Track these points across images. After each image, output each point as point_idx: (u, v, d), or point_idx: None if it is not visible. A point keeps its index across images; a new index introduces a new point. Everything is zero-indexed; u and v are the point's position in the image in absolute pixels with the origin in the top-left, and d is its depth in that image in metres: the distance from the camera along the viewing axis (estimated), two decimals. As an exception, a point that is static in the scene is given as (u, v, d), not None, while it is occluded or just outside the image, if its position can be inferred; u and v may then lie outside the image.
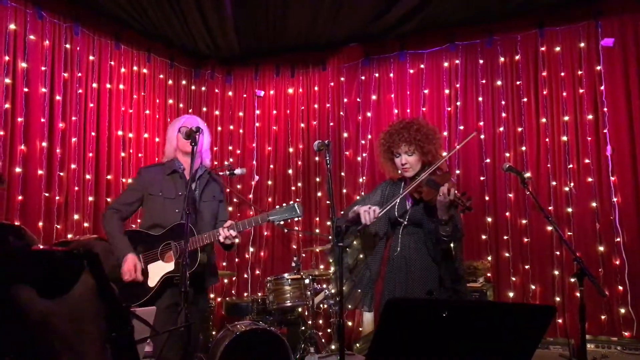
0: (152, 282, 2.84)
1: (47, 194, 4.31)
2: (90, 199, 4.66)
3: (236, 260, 5.64)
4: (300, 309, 4.49)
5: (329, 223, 5.43)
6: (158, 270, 2.85)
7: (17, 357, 0.87)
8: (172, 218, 2.87)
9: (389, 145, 2.85)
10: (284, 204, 2.77)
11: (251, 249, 5.65)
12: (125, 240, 2.90)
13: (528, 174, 4.67)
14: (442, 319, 1.72)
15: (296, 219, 2.89)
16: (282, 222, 5.13)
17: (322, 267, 5.19)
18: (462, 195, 2.52)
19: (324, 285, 4.65)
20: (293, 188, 5.63)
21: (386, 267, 2.87)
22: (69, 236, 4.43)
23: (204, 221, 2.97)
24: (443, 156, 2.86)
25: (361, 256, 3.02)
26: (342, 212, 3.09)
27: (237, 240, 2.86)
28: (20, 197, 4.12)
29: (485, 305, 2.45)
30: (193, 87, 5.95)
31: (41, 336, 0.84)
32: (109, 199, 4.82)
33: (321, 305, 4.67)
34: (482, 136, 4.99)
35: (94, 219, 4.66)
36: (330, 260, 3.21)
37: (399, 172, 2.87)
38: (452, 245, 2.73)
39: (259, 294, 5.08)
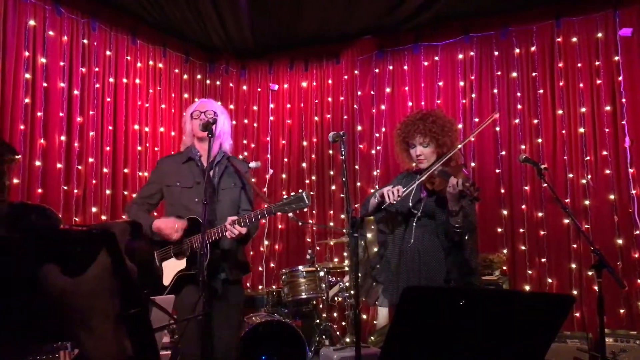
0: (167, 280, 2.76)
1: (65, 187, 4.38)
2: (108, 192, 4.72)
3: (251, 253, 5.67)
4: (314, 302, 4.50)
5: (343, 216, 5.45)
6: (172, 267, 2.76)
7: (38, 331, 0.91)
8: (193, 207, 2.74)
9: (405, 136, 2.86)
10: (292, 194, 2.62)
11: (266, 242, 5.68)
12: (146, 215, 2.85)
13: (544, 165, 4.62)
14: (459, 307, 1.72)
15: (305, 209, 2.74)
16: (290, 214, 5.15)
17: (336, 260, 5.20)
18: (470, 185, 2.51)
19: (339, 278, 4.66)
20: (307, 181, 5.65)
21: (399, 259, 2.87)
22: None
23: (224, 210, 2.80)
24: (458, 147, 2.85)
25: (376, 249, 3.03)
26: (358, 206, 3.10)
27: (244, 231, 2.66)
28: (39, 190, 4.19)
29: (503, 293, 2.45)
30: (208, 82, 5.99)
31: (59, 311, 0.87)
32: (125, 192, 4.88)
33: (336, 298, 4.69)
34: (498, 128, 4.96)
35: (112, 212, 4.73)
36: (348, 252, 3.20)
37: (414, 163, 2.88)
38: (465, 237, 2.73)
39: (274, 287, 5.10)
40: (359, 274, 2.93)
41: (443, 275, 2.73)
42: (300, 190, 2.61)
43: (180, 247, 2.74)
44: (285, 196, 2.63)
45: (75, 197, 4.44)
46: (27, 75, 4.14)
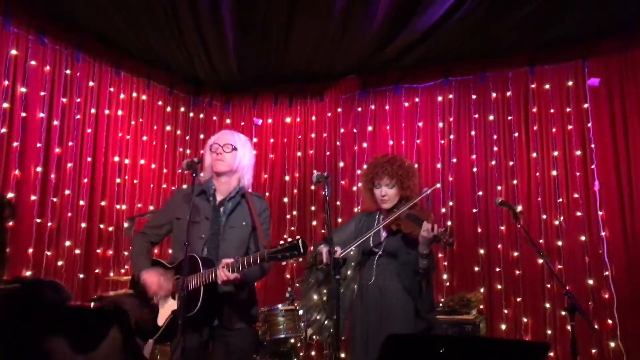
0: (161, 320, 2.63)
1: (39, 220, 4.27)
2: (83, 225, 4.63)
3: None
4: (292, 340, 4.46)
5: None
6: (167, 307, 2.62)
7: None
8: (197, 245, 2.62)
9: (372, 177, 3.00)
10: (288, 240, 2.43)
11: (243, 277, 5.62)
12: (144, 260, 2.69)
13: (519, 208, 4.74)
14: (439, 355, 1.76)
15: (299, 259, 2.52)
16: (283, 262, 5.07)
17: (315, 297, 5.16)
18: (444, 231, 2.66)
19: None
20: (288, 216, 5.65)
21: (358, 295, 2.95)
22: (59, 263, 4.39)
23: (230, 250, 2.63)
24: (421, 193, 3.00)
25: (326, 290, 3.07)
26: (313, 248, 3.16)
27: (237, 278, 2.46)
28: (11, 223, 4.09)
29: (481, 341, 2.49)
30: (191, 114, 5.99)
31: None
32: (102, 226, 4.80)
33: (314, 337, 4.65)
34: (475, 169, 5.08)
35: (86, 246, 4.62)
36: (302, 290, 3.20)
37: (377, 203, 3.01)
38: (430, 277, 2.88)
39: (251, 324, 5.02)
40: (314, 312, 3.01)
41: (405, 314, 2.82)
42: (297, 237, 2.41)
43: (176, 286, 2.60)
44: (281, 242, 2.44)
45: (49, 230, 4.33)
46: (5, 105, 4.06)
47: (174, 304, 2.61)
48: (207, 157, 2.79)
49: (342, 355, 4.91)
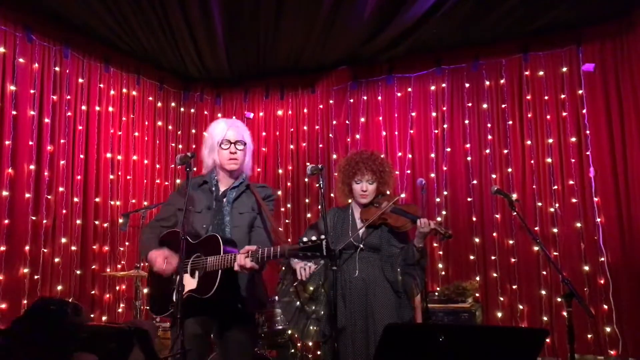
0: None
1: (34, 218, 4.27)
2: (78, 222, 4.62)
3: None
4: (289, 332, 4.46)
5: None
6: (186, 284, 2.52)
7: None
8: (198, 233, 2.61)
9: (354, 172, 3.05)
10: (313, 238, 2.33)
11: (240, 271, 5.62)
12: (153, 244, 2.64)
13: (515, 196, 4.75)
14: (439, 343, 1.76)
15: (321, 262, 2.49)
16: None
17: (311, 288, 5.17)
18: (439, 223, 2.78)
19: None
20: (282, 209, 5.64)
21: (343, 289, 2.96)
22: (56, 260, 4.38)
23: (240, 236, 2.62)
24: (396, 192, 3.10)
25: (322, 290, 3.07)
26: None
27: (255, 267, 2.42)
28: (6, 221, 4.07)
29: (480, 329, 2.50)
30: (182, 109, 5.97)
31: None
32: (96, 222, 4.79)
33: (311, 327, 4.65)
34: (469, 158, 5.08)
35: (82, 242, 4.62)
36: (279, 294, 3.19)
37: (356, 197, 3.07)
38: (423, 267, 2.96)
39: (249, 317, 5.02)
40: (292, 312, 3.04)
41: (391, 306, 2.89)
42: (322, 237, 2.31)
43: (197, 264, 2.55)
44: (304, 239, 2.35)
45: (44, 228, 4.33)
46: (-5, 103, 4.05)
47: (191, 282, 2.55)
48: (212, 152, 2.73)
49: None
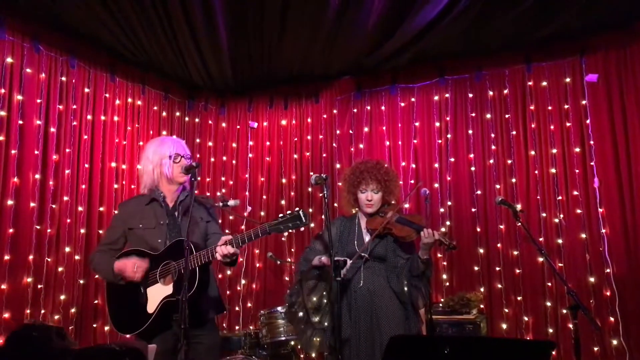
0: (151, 307, 2.63)
1: (38, 227, 4.27)
2: (82, 231, 4.62)
3: (227, 292, 5.59)
4: (292, 343, 4.45)
5: (293, 250, 5.48)
6: (157, 293, 2.63)
7: None
8: (158, 247, 2.72)
9: (359, 181, 3.05)
10: (288, 212, 2.45)
11: (243, 281, 5.61)
12: (110, 260, 2.74)
13: (519, 207, 4.73)
14: (444, 355, 1.75)
15: (301, 228, 2.56)
16: (269, 253, 5.07)
17: (314, 299, 5.15)
18: (444, 234, 2.75)
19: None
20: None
21: (348, 299, 2.96)
22: (60, 269, 4.39)
23: (200, 244, 2.75)
24: (401, 201, 3.17)
25: (325, 300, 3.08)
26: (307, 251, 3.17)
27: (237, 252, 2.54)
28: (11, 230, 4.08)
29: (486, 341, 2.48)
30: (187, 119, 6.00)
31: None
32: (101, 231, 4.79)
33: (315, 339, 4.63)
34: (473, 168, 5.07)
35: (86, 251, 4.62)
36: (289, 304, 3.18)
37: (361, 207, 3.07)
38: (428, 279, 2.94)
39: (251, 328, 5.02)
40: (300, 325, 3.05)
41: (397, 316, 2.87)
42: (297, 209, 2.47)
43: (167, 270, 2.64)
44: (280, 215, 2.48)
45: (49, 237, 4.34)
46: (2, 113, 4.08)
47: (163, 289, 2.63)
48: (163, 168, 2.84)
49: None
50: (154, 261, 2.69)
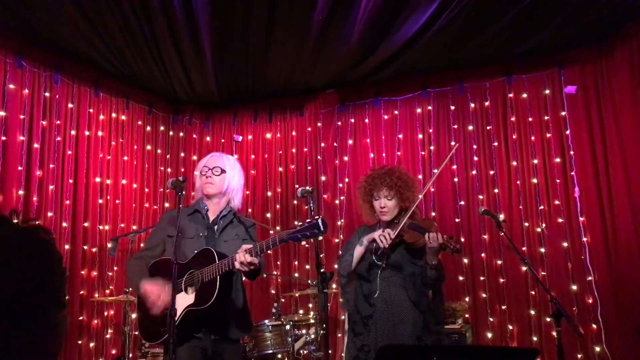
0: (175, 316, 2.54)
1: (21, 243, 4.22)
2: (67, 247, 4.58)
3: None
4: (280, 356, 4.43)
5: (307, 267, 5.46)
6: (181, 302, 2.56)
7: None
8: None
9: (370, 188, 2.97)
10: (307, 220, 2.39)
11: (229, 295, 5.58)
12: (144, 274, 2.70)
13: (502, 216, 4.80)
14: (431, 364, 1.78)
15: (320, 237, 2.48)
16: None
17: (301, 312, 5.16)
18: (450, 238, 2.65)
19: (304, 331, 4.61)
20: (272, 232, 5.63)
21: (363, 310, 2.90)
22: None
23: (219, 255, 2.68)
24: (419, 198, 2.96)
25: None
26: (338, 263, 3.12)
27: (255, 261, 2.48)
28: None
29: (472, 349, 2.51)
30: (171, 133, 5.99)
31: None
32: (85, 247, 4.75)
33: (301, 352, 4.62)
34: (456, 179, 5.14)
35: (70, 267, 4.57)
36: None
37: (376, 215, 2.98)
38: (440, 289, 2.85)
39: (239, 341, 4.98)
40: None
41: (414, 326, 2.78)
42: (316, 217, 2.37)
43: (191, 279, 2.61)
44: (299, 223, 2.42)
45: (32, 253, 4.28)
46: (-15, 129, 4.06)
47: (187, 298, 2.59)
48: (197, 180, 2.89)
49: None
50: (181, 270, 2.62)
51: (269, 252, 2.63)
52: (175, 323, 2.49)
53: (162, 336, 2.58)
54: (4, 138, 4.17)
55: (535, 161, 4.89)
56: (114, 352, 4.87)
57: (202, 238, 2.75)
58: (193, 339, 2.61)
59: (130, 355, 4.21)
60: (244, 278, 2.77)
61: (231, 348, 2.70)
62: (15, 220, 0.70)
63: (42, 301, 0.70)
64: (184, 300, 2.60)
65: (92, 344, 4.67)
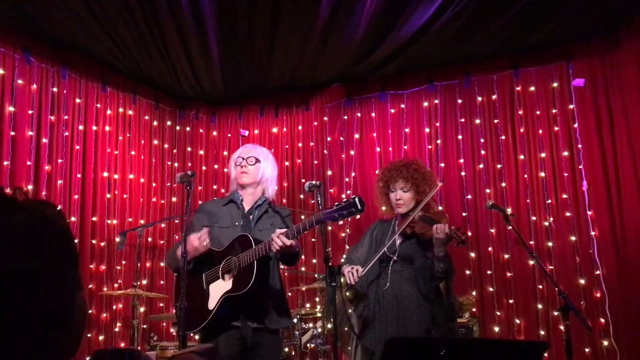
0: (212, 303, 2.57)
1: (30, 238, 4.26)
2: (75, 241, 4.60)
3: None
4: (287, 349, 4.45)
5: (314, 261, 5.46)
6: (218, 289, 2.57)
7: None
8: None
9: (387, 180, 2.97)
10: (344, 200, 2.40)
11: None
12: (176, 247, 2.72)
13: (509, 210, 4.78)
14: (440, 357, 1.78)
15: (357, 216, 2.54)
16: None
17: (308, 305, 5.18)
18: (457, 229, 2.63)
19: (311, 324, 4.63)
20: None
21: (375, 302, 2.90)
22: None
23: (255, 240, 2.69)
24: (429, 193, 2.93)
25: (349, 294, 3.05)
26: (330, 250, 3.14)
27: (292, 244, 2.47)
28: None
29: (481, 342, 2.51)
30: (178, 128, 6.01)
31: None
32: (93, 241, 4.79)
33: (308, 345, 4.64)
34: (463, 173, 5.13)
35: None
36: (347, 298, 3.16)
37: (393, 207, 2.97)
38: (449, 281, 2.83)
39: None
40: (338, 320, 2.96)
41: (423, 320, 2.77)
42: (353, 196, 2.40)
43: (228, 266, 2.61)
44: (336, 203, 2.41)
45: (41, 248, 4.32)
46: (-6, 124, 4.09)
47: (224, 285, 2.59)
48: (232, 171, 2.91)
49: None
50: (218, 257, 2.65)
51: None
52: (214, 310, 2.54)
53: (201, 324, 2.58)
54: (13, 133, 4.21)
55: (543, 155, 4.87)
56: (122, 345, 4.91)
57: (237, 227, 2.74)
58: (231, 328, 2.59)
59: (139, 348, 4.24)
60: (282, 266, 2.73)
61: (271, 339, 2.67)
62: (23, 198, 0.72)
63: (65, 282, 0.72)
64: (222, 287, 2.59)
65: (101, 337, 4.71)
